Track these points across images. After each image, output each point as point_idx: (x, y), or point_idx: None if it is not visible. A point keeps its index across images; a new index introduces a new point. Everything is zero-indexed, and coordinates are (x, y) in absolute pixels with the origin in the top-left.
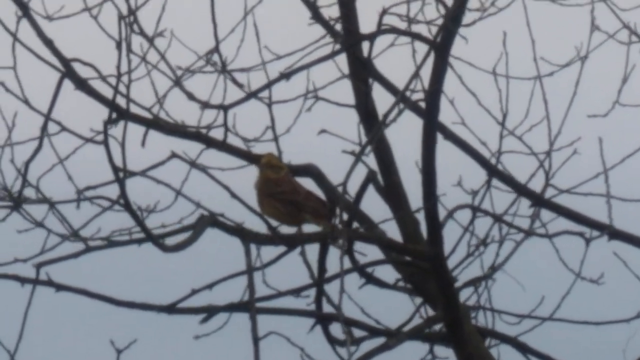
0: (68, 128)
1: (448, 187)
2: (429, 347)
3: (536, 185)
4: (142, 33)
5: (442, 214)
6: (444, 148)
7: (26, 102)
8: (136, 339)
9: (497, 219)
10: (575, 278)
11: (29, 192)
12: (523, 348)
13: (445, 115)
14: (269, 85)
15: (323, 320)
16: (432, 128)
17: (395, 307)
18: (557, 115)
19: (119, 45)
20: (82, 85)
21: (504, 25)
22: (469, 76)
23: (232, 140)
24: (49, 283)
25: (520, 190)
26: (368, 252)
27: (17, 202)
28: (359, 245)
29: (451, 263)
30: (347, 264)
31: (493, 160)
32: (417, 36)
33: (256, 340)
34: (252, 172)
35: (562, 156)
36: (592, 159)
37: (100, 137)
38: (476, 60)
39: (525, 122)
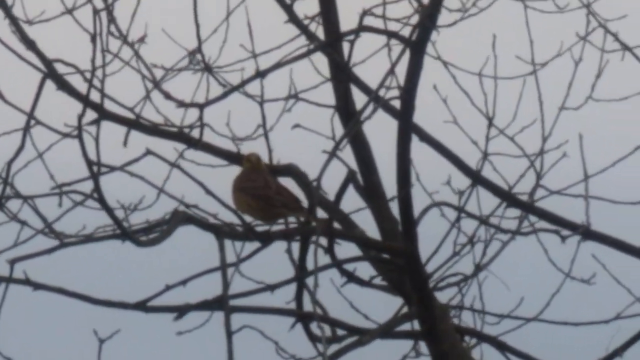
0: (43, 122)
1: (437, 185)
2: (412, 343)
3: (526, 186)
4: (118, 31)
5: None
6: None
7: (1, 96)
8: (119, 329)
9: (480, 220)
10: (564, 278)
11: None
12: (503, 347)
13: (434, 117)
14: (245, 83)
15: (303, 318)
16: (407, 124)
17: (383, 306)
18: (546, 115)
19: (93, 39)
20: (63, 85)
21: (487, 25)
22: (457, 78)
23: (221, 140)
24: (26, 282)
25: (504, 195)
26: (348, 252)
27: None
28: (340, 247)
29: (436, 263)
30: (327, 261)
31: (480, 163)
32: (393, 34)
33: (229, 334)
34: (233, 172)
35: (552, 158)
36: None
37: (75, 132)
38: (460, 61)
39: (514, 123)
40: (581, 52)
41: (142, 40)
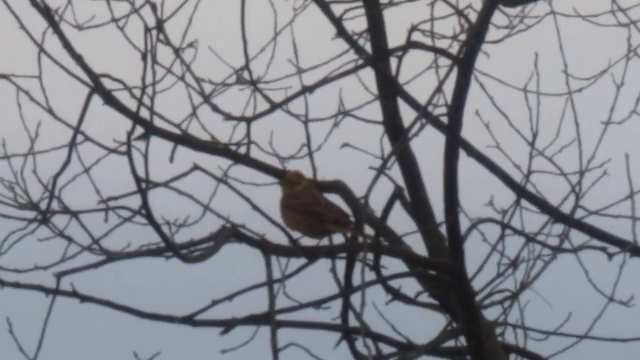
0: (91, 138)
1: (479, 206)
2: None
3: (566, 207)
4: (168, 43)
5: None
6: (474, 168)
7: (50, 111)
8: (160, 351)
9: (525, 235)
10: (607, 302)
11: (53, 204)
12: None
13: (477, 138)
14: (292, 98)
15: (348, 334)
16: (454, 141)
17: (428, 325)
18: (588, 133)
19: (144, 57)
20: (110, 100)
21: (533, 42)
22: (498, 96)
23: (267, 158)
24: (74, 294)
25: (549, 210)
26: (394, 268)
27: (44, 216)
28: (384, 261)
29: (480, 282)
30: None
31: (523, 181)
32: (440, 51)
33: (275, 351)
34: (277, 190)
35: (592, 177)
36: (621, 179)
37: (123, 148)
38: (505, 78)
39: (555, 142)
40: (624, 72)
41: (192, 45)
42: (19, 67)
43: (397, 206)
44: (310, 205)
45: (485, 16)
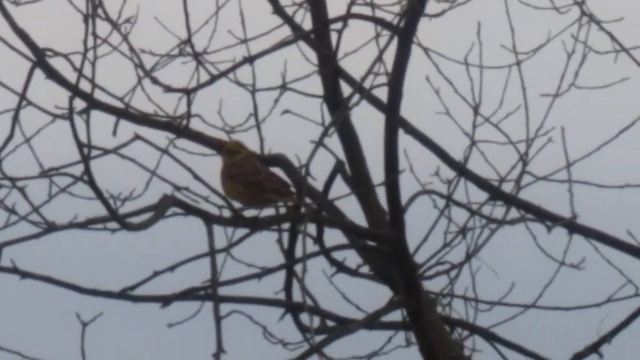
0: (34, 103)
1: (426, 176)
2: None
3: (513, 173)
4: (106, 15)
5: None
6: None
7: None
8: (102, 312)
9: (468, 209)
10: (559, 266)
11: None
12: (492, 338)
13: (420, 108)
14: (233, 68)
15: (292, 309)
16: (395, 112)
17: (374, 297)
18: (531, 103)
19: (86, 20)
20: (52, 74)
21: (474, 16)
22: (441, 68)
23: (212, 130)
24: (14, 270)
25: (489, 188)
26: (337, 242)
27: None
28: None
29: (426, 254)
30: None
31: (467, 151)
32: (380, 21)
33: (218, 320)
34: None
35: (538, 144)
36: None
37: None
38: (448, 50)
39: (500, 111)
40: (574, 45)
41: (129, 21)
42: None
43: (339, 180)
44: (251, 174)
45: None
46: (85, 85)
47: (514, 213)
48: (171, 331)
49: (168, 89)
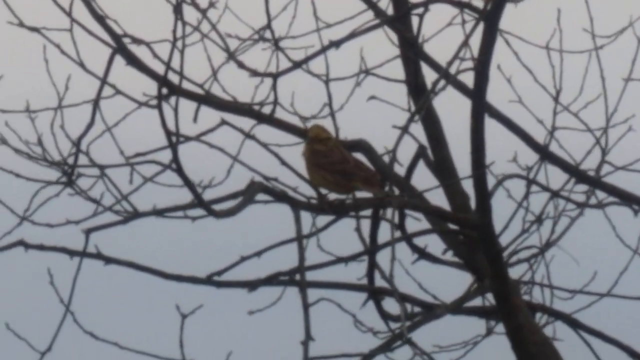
0: (122, 91)
1: (504, 163)
2: (484, 321)
3: (592, 162)
4: (193, 4)
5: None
6: (498, 127)
7: (82, 64)
8: (202, 304)
9: (551, 192)
10: (632, 254)
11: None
12: (575, 324)
13: (501, 94)
14: (318, 53)
15: (375, 294)
16: (481, 96)
17: (453, 284)
18: (612, 89)
19: (175, 10)
20: (133, 61)
21: (556, 1)
22: (522, 54)
23: (289, 117)
24: (98, 256)
25: (572, 171)
26: (419, 227)
27: (69, 177)
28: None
29: (505, 240)
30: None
31: (547, 138)
32: (466, 5)
33: (306, 307)
34: (300, 149)
35: (618, 132)
36: None
37: (154, 102)
38: (529, 36)
39: (580, 98)
40: None
41: (213, 5)
42: (48, 22)
43: (421, 165)
44: (340, 163)
45: None
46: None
47: (593, 200)
48: (255, 319)
49: (255, 73)
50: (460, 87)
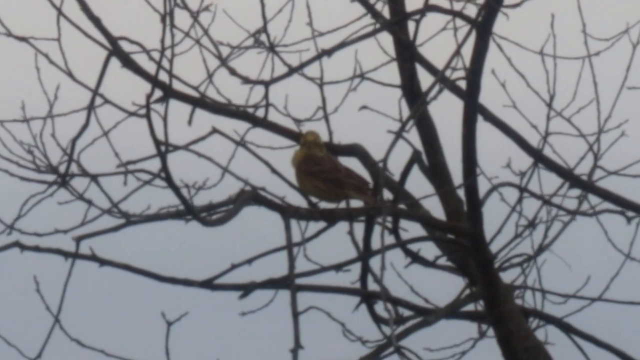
0: (111, 101)
1: (497, 168)
2: (477, 325)
3: (584, 166)
4: (186, 8)
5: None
6: (492, 131)
7: (70, 74)
8: (187, 312)
9: (543, 199)
10: (624, 259)
11: (72, 167)
12: (567, 329)
13: (494, 99)
14: (311, 61)
15: (368, 298)
16: (473, 105)
17: (446, 287)
18: (606, 94)
19: (163, 19)
20: (128, 63)
21: (551, 6)
22: (516, 59)
23: (282, 120)
24: (93, 258)
25: (566, 175)
26: (412, 233)
27: (63, 180)
28: (403, 225)
29: (498, 244)
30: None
31: (541, 143)
32: (458, 14)
33: (296, 315)
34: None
35: (610, 138)
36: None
37: (143, 111)
38: (523, 41)
39: (573, 103)
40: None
41: (207, 9)
42: (38, 31)
43: (415, 170)
44: (331, 171)
45: None
46: (161, 74)
47: (585, 206)
48: (244, 326)
49: (246, 80)
50: (456, 91)
